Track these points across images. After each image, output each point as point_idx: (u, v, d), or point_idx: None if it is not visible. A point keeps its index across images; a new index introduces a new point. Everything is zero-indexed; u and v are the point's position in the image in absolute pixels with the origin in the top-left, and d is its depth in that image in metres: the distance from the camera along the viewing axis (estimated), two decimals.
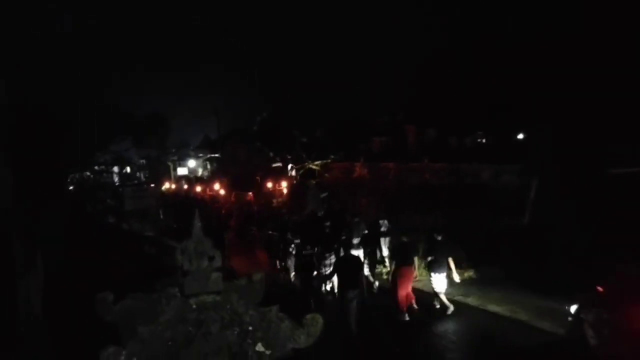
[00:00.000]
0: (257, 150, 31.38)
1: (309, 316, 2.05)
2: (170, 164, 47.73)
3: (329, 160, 24.87)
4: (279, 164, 29.14)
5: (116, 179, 24.62)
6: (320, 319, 2.04)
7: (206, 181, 36.97)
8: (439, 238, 10.11)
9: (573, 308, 7.54)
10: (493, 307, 10.22)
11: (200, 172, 47.64)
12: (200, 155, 48.09)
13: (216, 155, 41.89)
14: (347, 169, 23.40)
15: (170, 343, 2.02)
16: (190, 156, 48.18)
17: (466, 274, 12.57)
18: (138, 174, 45.79)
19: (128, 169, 42.84)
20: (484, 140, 23.84)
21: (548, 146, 13.52)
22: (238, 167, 30.75)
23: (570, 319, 7.60)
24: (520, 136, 20.60)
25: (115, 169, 24.55)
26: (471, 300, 10.83)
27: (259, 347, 2.06)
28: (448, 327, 9.38)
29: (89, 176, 21.27)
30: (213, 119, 39.45)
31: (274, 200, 21.64)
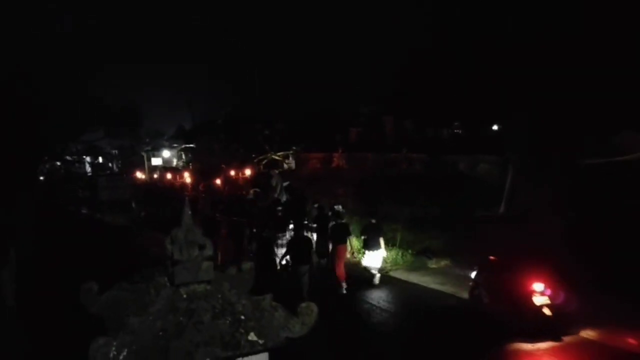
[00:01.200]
0: (223, 141, 31.87)
1: (303, 305, 2.03)
2: (144, 154, 46.97)
3: (291, 152, 26.30)
4: (249, 155, 29.63)
5: (88, 169, 24.12)
6: (314, 308, 2.02)
7: (177, 170, 36.81)
8: (373, 221, 11.64)
9: (473, 274, 9.07)
10: (466, 294, 10.34)
11: (175, 162, 47.02)
12: (175, 145, 47.43)
13: (191, 145, 41.42)
14: (325, 159, 23.45)
15: (161, 333, 1.98)
16: (164, 146, 47.45)
17: (442, 262, 12.78)
18: (110, 164, 44.93)
19: (100, 159, 41.93)
20: (459, 132, 24.09)
21: (523, 137, 13.75)
22: (210, 157, 31.04)
23: (470, 283, 9.14)
24: (495, 127, 20.90)
25: (88, 159, 23.98)
26: (446, 288, 11.02)
27: (252, 337, 2.03)
28: (385, 298, 10.46)
29: (60, 166, 20.75)
30: (187, 109, 38.95)
31: (251, 191, 21.79)
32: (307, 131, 26.78)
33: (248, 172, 25.73)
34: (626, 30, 11.99)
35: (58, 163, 20.11)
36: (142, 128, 38.68)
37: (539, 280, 7.62)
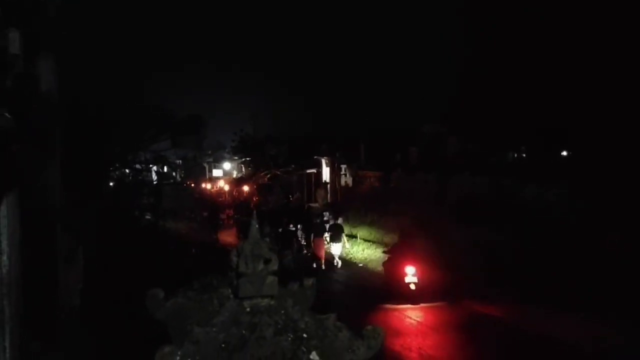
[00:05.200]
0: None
1: (369, 327, 1.97)
2: (205, 165, 48.40)
3: (290, 168, 31.69)
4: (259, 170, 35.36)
5: (154, 177, 25.17)
6: (381, 332, 1.96)
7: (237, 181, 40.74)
8: (338, 222, 16.87)
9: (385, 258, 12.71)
10: None
11: (234, 174, 48.15)
12: (236, 158, 48.60)
13: (248, 158, 42.36)
14: (383, 177, 23.26)
15: (223, 345, 1.98)
16: (225, 159, 48.72)
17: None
18: (174, 173, 46.51)
19: (165, 169, 43.48)
20: (524, 156, 23.13)
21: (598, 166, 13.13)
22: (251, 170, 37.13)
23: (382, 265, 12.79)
24: (564, 153, 19.92)
25: (154, 168, 25.06)
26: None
27: (314, 356, 1.99)
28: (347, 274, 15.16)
29: (128, 174, 21.72)
30: (250, 122, 39.83)
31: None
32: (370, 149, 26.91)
33: (261, 182, 32.63)
34: None
35: (127, 170, 21.03)
36: (206, 139, 39.97)
37: (411, 265, 11.25)
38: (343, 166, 28.20)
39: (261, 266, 2.12)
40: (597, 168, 13.94)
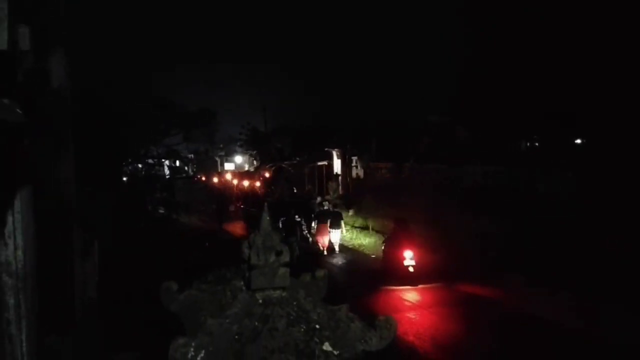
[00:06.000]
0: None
1: (382, 318, 1.96)
2: (217, 159, 48.64)
3: (295, 161, 32.93)
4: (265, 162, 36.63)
5: (167, 171, 25.33)
6: (393, 323, 1.95)
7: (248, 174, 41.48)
8: (336, 210, 18.38)
9: (383, 246, 13.58)
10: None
11: (246, 167, 48.34)
12: (246, 151, 48.72)
13: (256, 151, 42.48)
14: (394, 169, 23.17)
15: (236, 337, 1.98)
16: (237, 152, 48.89)
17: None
18: (186, 167, 46.77)
19: (177, 163, 43.73)
20: (536, 144, 22.84)
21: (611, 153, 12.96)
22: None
23: (382, 247, 13.78)
24: (578, 141, 19.65)
25: (167, 162, 25.18)
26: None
27: (327, 347, 1.99)
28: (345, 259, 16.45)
29: (141, 168, 21.87)
30: (262, 115, 39.90)
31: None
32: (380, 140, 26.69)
33: (267, 174, 34.32)
34: None
35: (140, 165, 21.17)
36: (218, 133, 40.17)
37: (408, 249, 12.12)
38: (354, 158, 28.12)
39: (273, 258, 2.12)
40: (604, 159, 13.89)
